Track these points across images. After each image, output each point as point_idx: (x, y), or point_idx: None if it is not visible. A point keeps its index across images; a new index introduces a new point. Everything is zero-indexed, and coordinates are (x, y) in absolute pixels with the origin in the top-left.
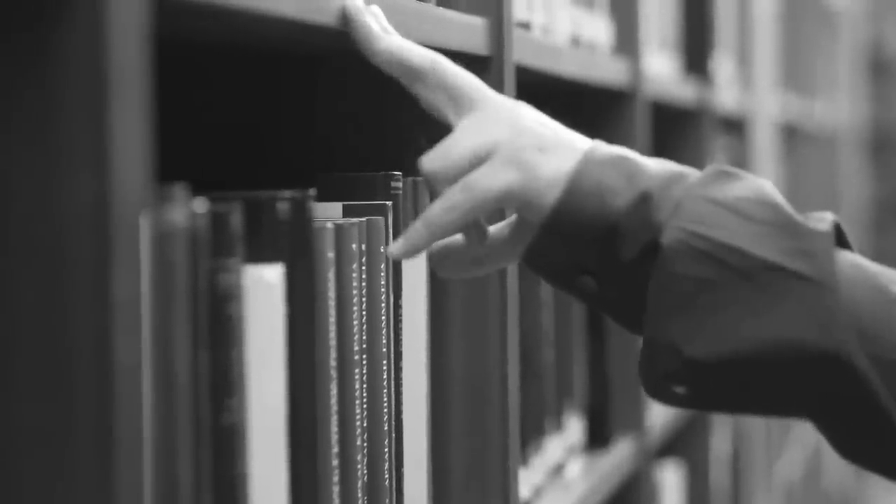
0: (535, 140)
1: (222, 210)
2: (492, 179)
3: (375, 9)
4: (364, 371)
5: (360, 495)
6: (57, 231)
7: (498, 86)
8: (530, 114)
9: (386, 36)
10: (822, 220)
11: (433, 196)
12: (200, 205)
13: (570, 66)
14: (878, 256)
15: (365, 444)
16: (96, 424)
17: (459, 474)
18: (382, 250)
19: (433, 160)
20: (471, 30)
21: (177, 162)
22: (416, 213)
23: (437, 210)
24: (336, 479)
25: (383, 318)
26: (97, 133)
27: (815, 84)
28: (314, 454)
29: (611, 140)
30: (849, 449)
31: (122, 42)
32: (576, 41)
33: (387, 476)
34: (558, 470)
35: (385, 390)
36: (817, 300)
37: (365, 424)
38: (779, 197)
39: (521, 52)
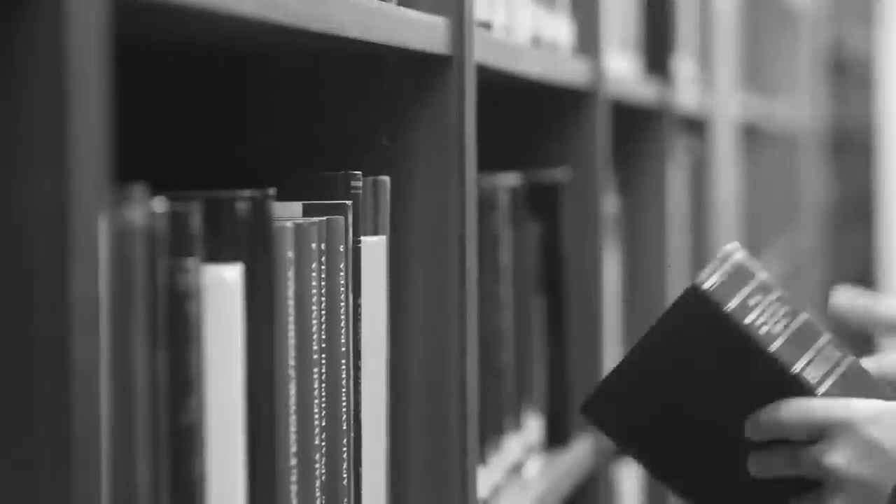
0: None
1: (181, 210)
2: None
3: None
4: (323, 370)
5: (318, 495)
6: (15, 231)
7: (459, 86)
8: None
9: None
10: None
11: None
12: (159, 204)
13: (532, 66)
14: (838, 256)
15: (323, 444)
16: (53, 424)
17: (418, 473)
18: (342, 249)
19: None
20: (432, 29)
21: (139, 162)
22: (376, 212)
23: None
24: (294, 478)
25: (342, 317)
26: (56, 133)
27: (775, 84)
28: (272, 454)
29: (572, 140)
30: None
31: (81, 43)
32: (537, 41)
33: (345, 475)
34: (517, 469)
35: (344, 390)
36: None
37: (324, 424)
38: None
39: (483, 52)
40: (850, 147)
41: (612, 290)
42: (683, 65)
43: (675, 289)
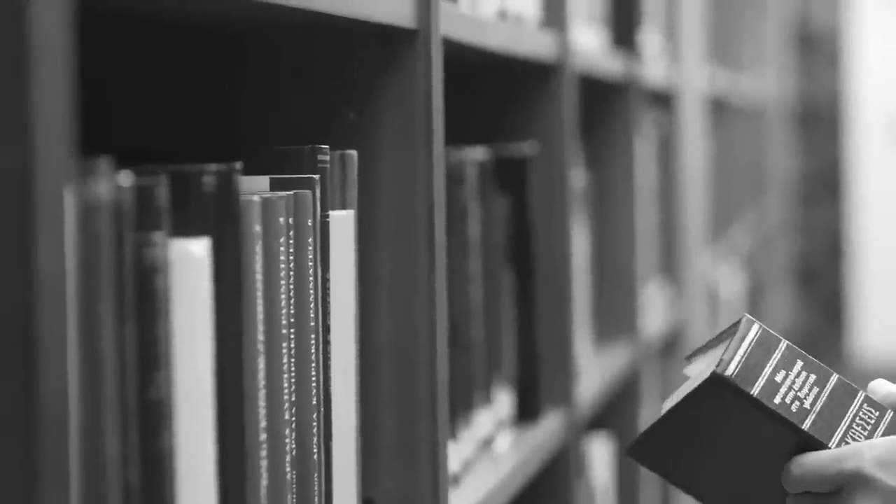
0: None
1: (148, 183)
2: None
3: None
4: (292, 345)
5: (288, 469)
6: None
7: (426, 59)
8: None
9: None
10: None
11: None
12: (125, 178)
13: (498, 40)
14: (806, 230)
15: (293, 419)
16: (21, 400)
17: (389, 448)
18: (310, 223)
19: None
20: (398, 2)
21: (105, 136)
22: (343, 186)
23: None
24: (264, 453)
25: (311, 291)
26: (20, 106)
27: (742, 58)
28: (242, 428)
29: (539, 114)
30: None
31: (45, 13)
32: (503, 14)
33: (315, 450)
34: (488, 443)
35: (313, 364)
36: None
37: (293, 398)
38: None
39: (449, 26)
40: (818, 121)
41: (580, 263)
42: (650, 38)
43: (643, 263)
